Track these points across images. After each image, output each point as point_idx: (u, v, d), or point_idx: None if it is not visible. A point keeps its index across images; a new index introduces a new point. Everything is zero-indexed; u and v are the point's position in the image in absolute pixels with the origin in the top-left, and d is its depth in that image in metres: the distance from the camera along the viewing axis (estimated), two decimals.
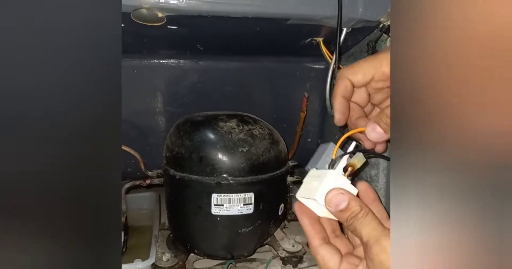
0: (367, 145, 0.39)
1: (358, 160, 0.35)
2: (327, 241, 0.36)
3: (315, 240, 0.35)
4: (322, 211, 0.35)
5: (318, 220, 0.37)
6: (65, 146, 0.25)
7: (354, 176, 0.37)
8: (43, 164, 0.25)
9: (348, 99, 0.38)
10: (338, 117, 0.38)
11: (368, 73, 0.36)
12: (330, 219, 0.36)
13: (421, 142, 0.25)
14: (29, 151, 0.24)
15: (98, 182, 0.26)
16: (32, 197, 0.25)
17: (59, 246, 0.25)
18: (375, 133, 0.35)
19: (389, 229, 0.30)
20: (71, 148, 0.26)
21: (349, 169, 0.35)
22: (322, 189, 0.33)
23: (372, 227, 0.30)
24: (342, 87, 0.37)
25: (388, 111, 0.34)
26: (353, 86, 0.38)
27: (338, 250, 0.35)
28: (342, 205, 0.32)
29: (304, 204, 0.36)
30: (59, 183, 0.25)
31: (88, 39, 0.25)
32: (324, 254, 0.34)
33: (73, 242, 0.26)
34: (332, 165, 0.36)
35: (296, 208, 0.37)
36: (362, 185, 0.37)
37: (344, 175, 0.35)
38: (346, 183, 0.34)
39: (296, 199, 0.37)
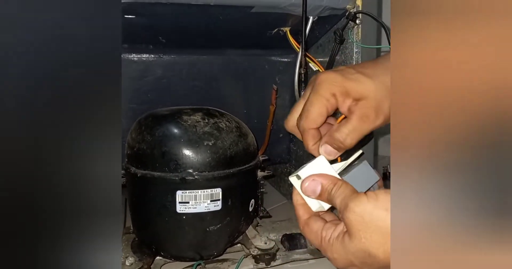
0: None
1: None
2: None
3: (305, 215, 0.36)
4: (315, 205, 0.36)
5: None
6: None
7: None
8: None
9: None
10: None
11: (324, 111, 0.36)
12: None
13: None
14: None
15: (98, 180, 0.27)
16: None
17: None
18: (328, 153, 0.36)
19: (358, 193, 0.32)
20: None
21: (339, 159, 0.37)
22: (306, 168, 0.36)
23: (343, 196, 0.32)
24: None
25: (337, 134, 0.35)
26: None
27: (324, 220, 0.36)
28: (318, 190, 0.34)
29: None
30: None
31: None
32: (312, 223, 0.35)
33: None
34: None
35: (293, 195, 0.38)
36: None
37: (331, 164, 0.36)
38: (329, 170, 0.35)
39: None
